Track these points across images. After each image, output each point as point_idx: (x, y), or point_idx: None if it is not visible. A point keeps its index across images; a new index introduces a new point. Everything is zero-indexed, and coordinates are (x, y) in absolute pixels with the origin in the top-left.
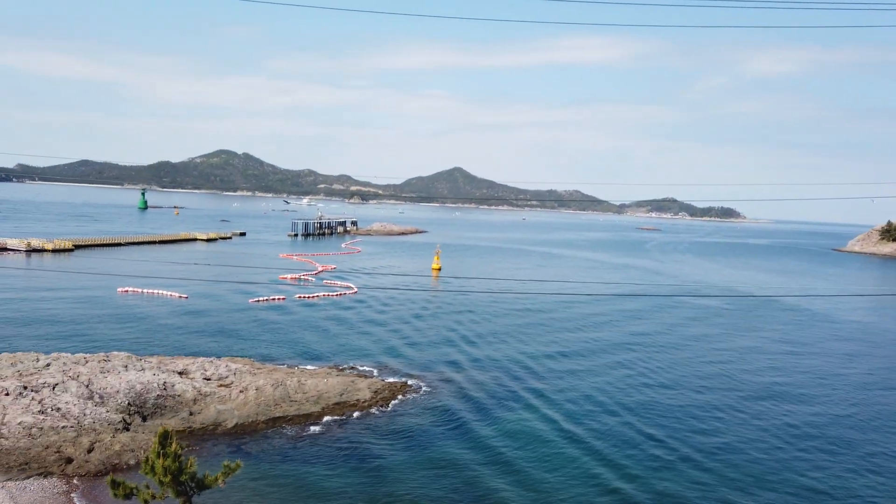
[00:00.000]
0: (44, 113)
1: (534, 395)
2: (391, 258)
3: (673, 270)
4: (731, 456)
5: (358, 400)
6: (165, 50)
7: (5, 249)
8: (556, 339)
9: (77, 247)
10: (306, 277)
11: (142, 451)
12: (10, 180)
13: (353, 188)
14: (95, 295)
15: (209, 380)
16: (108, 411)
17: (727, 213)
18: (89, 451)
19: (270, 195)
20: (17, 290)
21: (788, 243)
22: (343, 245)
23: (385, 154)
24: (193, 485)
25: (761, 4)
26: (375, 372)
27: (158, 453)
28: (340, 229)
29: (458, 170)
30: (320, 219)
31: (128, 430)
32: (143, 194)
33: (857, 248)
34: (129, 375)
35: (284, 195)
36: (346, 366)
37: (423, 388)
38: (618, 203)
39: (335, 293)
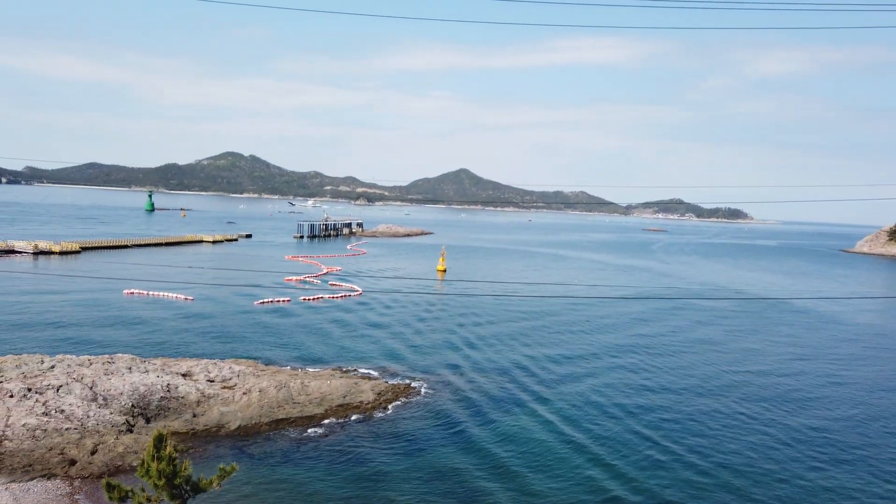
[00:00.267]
0: (51, 114)
1: (537, 400)
2: (397, 260)
3: (679, 272)
4: (737, 461)
5: (361, 402)
6: (172, 51)
7: (13, 252)
8: (561, 342)
9: (84, 249)
10: (312, 279)
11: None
12: (19, 183)
13: (359, 190)
14: (101, 297)
15: (213, 382)
16: (111, 413)
17: (734, 213)
18: (93, 452)
19: (277, 197)
20: (24, 293)
21: (796, 244)
22: (349, 247)
23: (391, 155)
24: (188, 488)
25: (766, 6)
26: (379, 374)
27: (153, 456)
28: (346, 231)
29: (463, 171)
30: (326, 220)
31: (131, 431)
32: (149, 196)
33: (865, 249)
34: (132, 377)
35: (291, 197)
36: (349, 368)
37: (427, 391)
38: (624, 204)
39: (340, 295)
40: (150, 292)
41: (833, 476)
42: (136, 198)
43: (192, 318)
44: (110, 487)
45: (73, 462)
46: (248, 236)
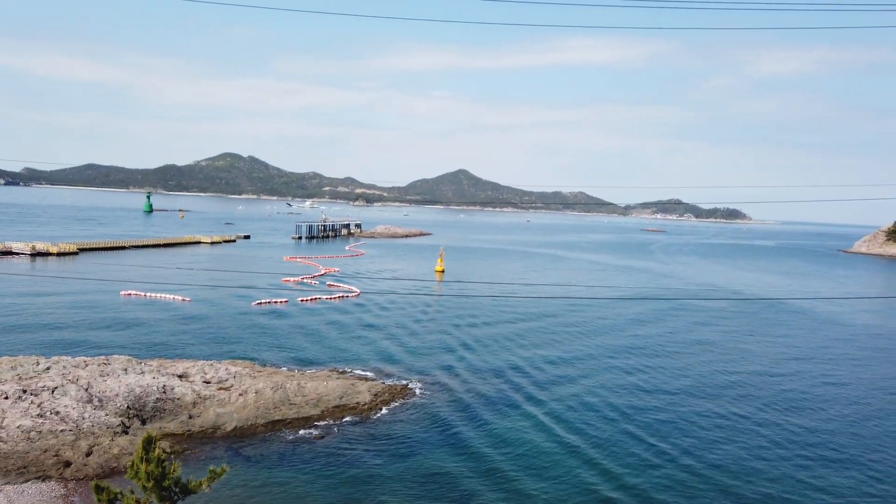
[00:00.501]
0: (49, 115)
1: (533, 401)
2: (395, 261)
3: (678, 272)
4: (730, 462)
5: (358, 403)
6: (172, 52)
7: (10, 253)
8: (558, 344)
9: (81, 250)
10: (310, 280)
11: None
12: (18, 184)
13: (358, 191)
14: (98, 298)
15: (209, 383)
16: (106, 415)
17: (732, 214)
18: (88, 454)
19: (275, 198)
20: (21, 295)
21: (795, 245)
22: (347, 248)
23: (390, 156)
24: (177, 490)
25: (768, 6)
26: (376, 375)
27: (142, 458)
28: (344, 232)
29: (462, 172)
30: (324, 221)
31: (126, 433)
32: (148, 197)
33: (863, 250)
34: (128, 379)
35: (289, 198)
36: (346, 369)
37: (424, 392)
38: (623, 205)
39: (338, 296)
40: (148, 294)
41: (825, 476)
42: (134, 199)
43: (189, 320)
44: (99, 489)
45: (67, 464)
46: (247, 237)
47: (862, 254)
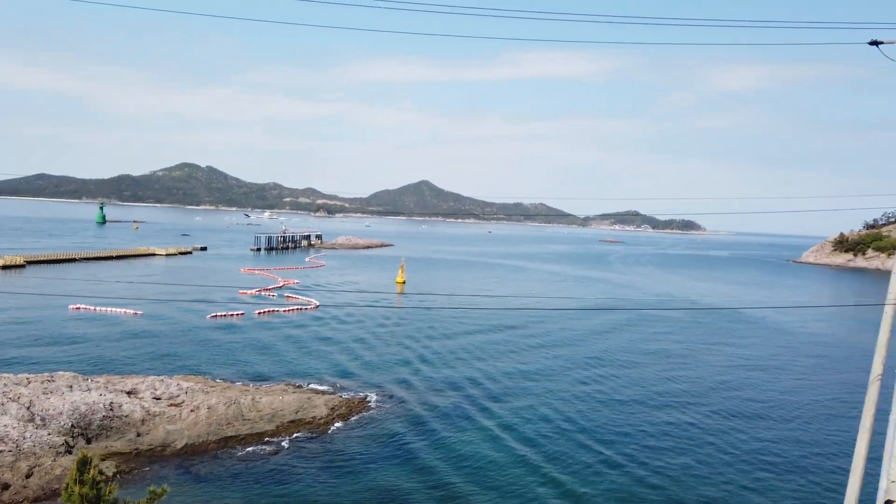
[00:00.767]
0: None
1: (489, 415)
2: (356, 272)
3: (635, 283)
4: (679, 472)
5: (314, 417)
6: (132, 62)
7: None
8: (516, 355)
9: (29, 263)
10: (267, 293)
11: None
12: None
13: (320, 201)
14: (45, 313)
15: (159, 399)
16: (49, 434)
17: (688, 225)
18: (28, 476)
19: (234, 209)
20: None
21: (747, 255)
22: (307, 259)
23: (353, 167)
24: None
25: (725, 24)
26: (333, 389)
27: (76, 480)
28: (305, 243)
29: (425, 183)
30: (284, 232)
31: (70, 452)
32: (101, 208)
33: (811, 259)
34: (73, 396)
35: (249, 209)
36: (303, 383)
37: (380, 405)
38: (582, 216)
39: (296, 308)
40: (98, 308)
41: (765, 479)
42: (87, 210)
43: (140, 334)
44: None
45: (6, 486)
46: (204, 249)
47: (810, 263)
